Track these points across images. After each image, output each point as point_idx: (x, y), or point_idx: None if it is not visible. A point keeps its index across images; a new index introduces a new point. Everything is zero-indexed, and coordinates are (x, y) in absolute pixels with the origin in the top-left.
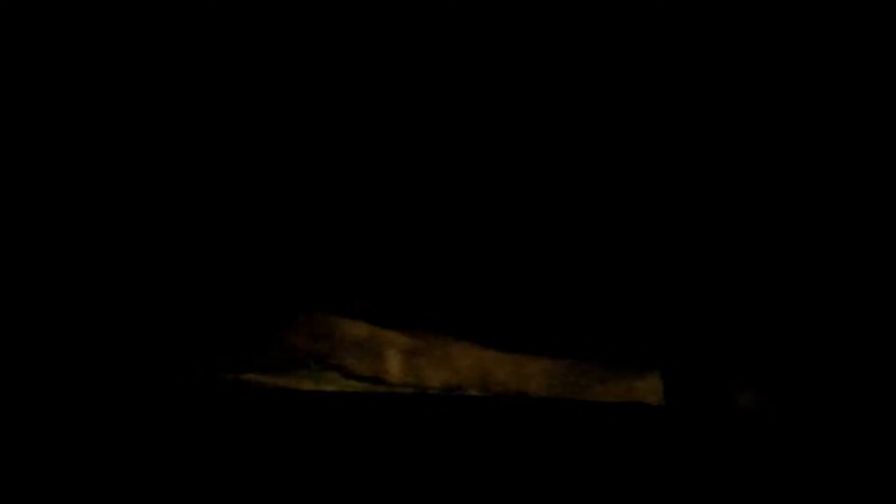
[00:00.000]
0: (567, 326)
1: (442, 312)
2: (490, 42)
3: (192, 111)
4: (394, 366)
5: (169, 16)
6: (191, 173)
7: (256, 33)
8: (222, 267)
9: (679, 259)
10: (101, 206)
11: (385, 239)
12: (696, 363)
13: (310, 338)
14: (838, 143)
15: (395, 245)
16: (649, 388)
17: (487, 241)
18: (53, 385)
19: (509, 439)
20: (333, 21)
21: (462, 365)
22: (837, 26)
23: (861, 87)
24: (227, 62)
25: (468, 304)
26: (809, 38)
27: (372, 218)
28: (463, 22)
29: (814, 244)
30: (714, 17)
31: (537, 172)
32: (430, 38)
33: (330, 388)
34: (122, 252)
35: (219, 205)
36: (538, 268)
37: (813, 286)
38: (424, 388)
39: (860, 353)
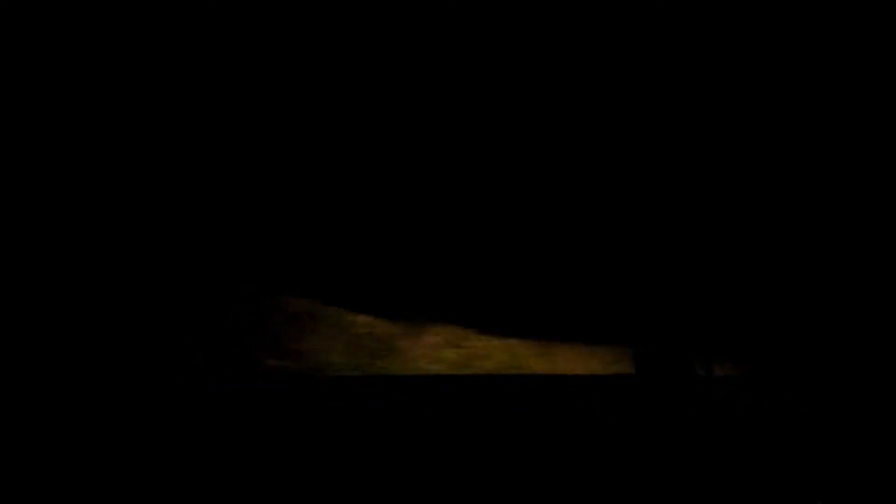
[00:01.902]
0: (542, 309)
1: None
2: (490, 42)
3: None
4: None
5: (169, 15)
6: (168, 171)
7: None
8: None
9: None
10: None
11: (363, 233)
12: (663, 340)
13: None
14: (809, 127)
15: (372, 239)
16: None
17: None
18: (44, 385)
19: (498, 414)
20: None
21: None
22: (837, 26)
23: (861, 87)
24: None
25: (449, 292)
26: (809, 37)
27: (354, 211)
28: (463, 22)
29: (776, 221)
30: (714, 18)
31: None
32: (430, 38)
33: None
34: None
35: (218, 205)
36: (515, 258)
37: (779, 264)
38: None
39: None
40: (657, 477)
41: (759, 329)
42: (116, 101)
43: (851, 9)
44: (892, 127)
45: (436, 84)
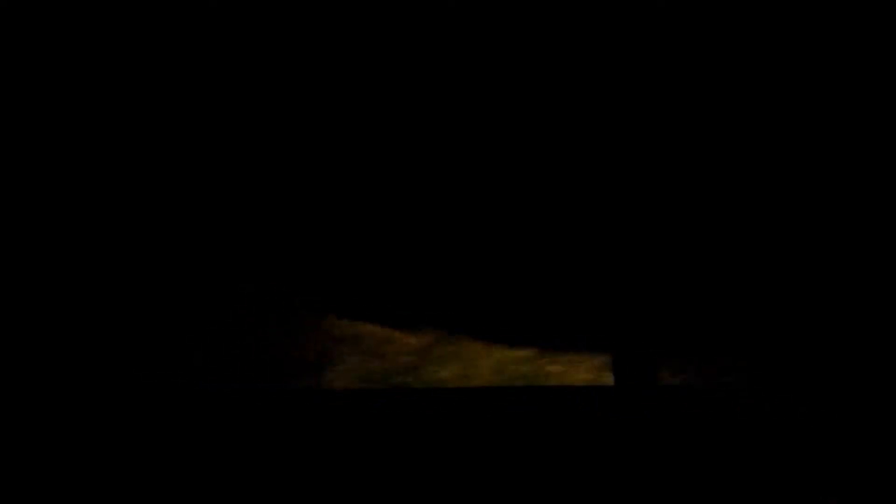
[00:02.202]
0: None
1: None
2: (489, 42)
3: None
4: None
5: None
6: (189, 171)
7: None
8: (227, 267)
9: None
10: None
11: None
12: (641, 343)
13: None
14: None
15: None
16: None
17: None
18: (49, 386)
19: (518, 428)
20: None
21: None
22: (837, 26)
23: (861, 88)
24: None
25: (472, 307)
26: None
27: (374, 221)
28: (462, 22)
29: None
30: (714, 18)
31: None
32: (428, 37)
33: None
34: (116, 251)
35: (220, 205)
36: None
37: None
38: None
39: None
40: (665, 482)
41: (758, 329)
42: (116, 100)
43: (851, 9)
44: (890, 126)
45: (462, 88)
